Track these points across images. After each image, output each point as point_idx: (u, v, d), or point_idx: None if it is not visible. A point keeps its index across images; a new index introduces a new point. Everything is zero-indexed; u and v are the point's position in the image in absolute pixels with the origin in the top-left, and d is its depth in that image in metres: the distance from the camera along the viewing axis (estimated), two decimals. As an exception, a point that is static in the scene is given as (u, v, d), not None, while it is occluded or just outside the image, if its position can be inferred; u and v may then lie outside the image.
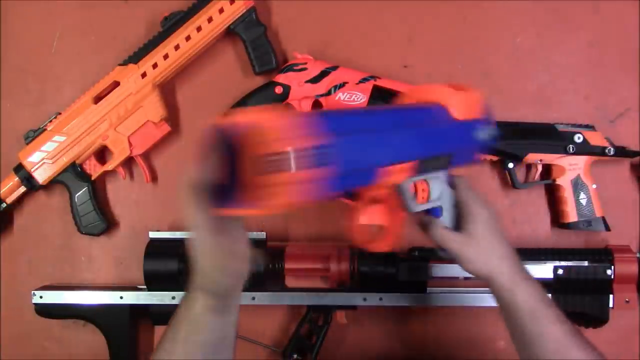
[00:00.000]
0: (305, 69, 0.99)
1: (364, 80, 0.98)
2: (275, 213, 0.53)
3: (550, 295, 0.97)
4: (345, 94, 0.98)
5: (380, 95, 0.97)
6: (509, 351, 1.04)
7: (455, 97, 0.71)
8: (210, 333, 0.68)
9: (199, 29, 0.98)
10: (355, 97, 0.97)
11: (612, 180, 1.04)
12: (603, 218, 1.00)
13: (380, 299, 0.97)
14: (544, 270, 0.97)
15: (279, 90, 0.99)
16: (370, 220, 0.71)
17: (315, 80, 0.99)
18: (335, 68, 0.99)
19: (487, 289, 0.99)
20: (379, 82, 0.98)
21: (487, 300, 0.98)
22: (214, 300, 0.67)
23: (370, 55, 1.04)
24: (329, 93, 0.98)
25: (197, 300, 0.68)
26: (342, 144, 0.57)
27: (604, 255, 0.97)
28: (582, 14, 1.05)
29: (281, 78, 1.00)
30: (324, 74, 0.99)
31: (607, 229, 1.01)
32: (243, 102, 1.00)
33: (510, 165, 1.01)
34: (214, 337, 0.68)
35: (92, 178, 1.01)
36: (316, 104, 1.00)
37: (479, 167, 1.04)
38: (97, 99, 1.00)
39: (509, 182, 1.02)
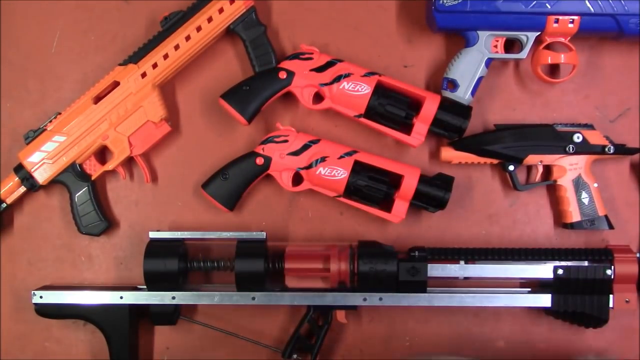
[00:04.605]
0: (311, 58, 1.00)
1: (368, 74, 0.98)
2: None
3: (550, 295, 0.98)
4: (350, 83, 0.98)
5: (384, 91, 0.98)
6: (509, 351, 1.05)
7: None
8: None
9: (198, 28, 0.98)
10: (360, 88, 0.98)
11: (612, 180, 1.04)
12: (606, 216, 1.00)
13: (380, 299, 0.97)
14: (544, 270, 0.97)
15: (282, 75, 0.99)
16: None
17: (320, 69, 0.99)
18: (341, 61, 0.99)
19: (487, 289, 1.00)
20: (383, 79, 0.98)
21: (487, 300, 0.98)
22: None
23: (371, 55, 1.04)
24: (333, 82, 0.98)
25: None
26: None
27: (604, 255, 0.97)
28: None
29: (287, 64, 1.00)
30: (329, 64, 0.99)
31: (611, 227, 1.00)
32: (246, 84, 0.99)
33: (511, 167, 1.01)
34: None
35: (92, 178, 1.01)
36: (318, 96, 1.00)
37: (480, 170, 1.04)
38: (97, 99, 1.00)
39: (510, 184, 1.03)
